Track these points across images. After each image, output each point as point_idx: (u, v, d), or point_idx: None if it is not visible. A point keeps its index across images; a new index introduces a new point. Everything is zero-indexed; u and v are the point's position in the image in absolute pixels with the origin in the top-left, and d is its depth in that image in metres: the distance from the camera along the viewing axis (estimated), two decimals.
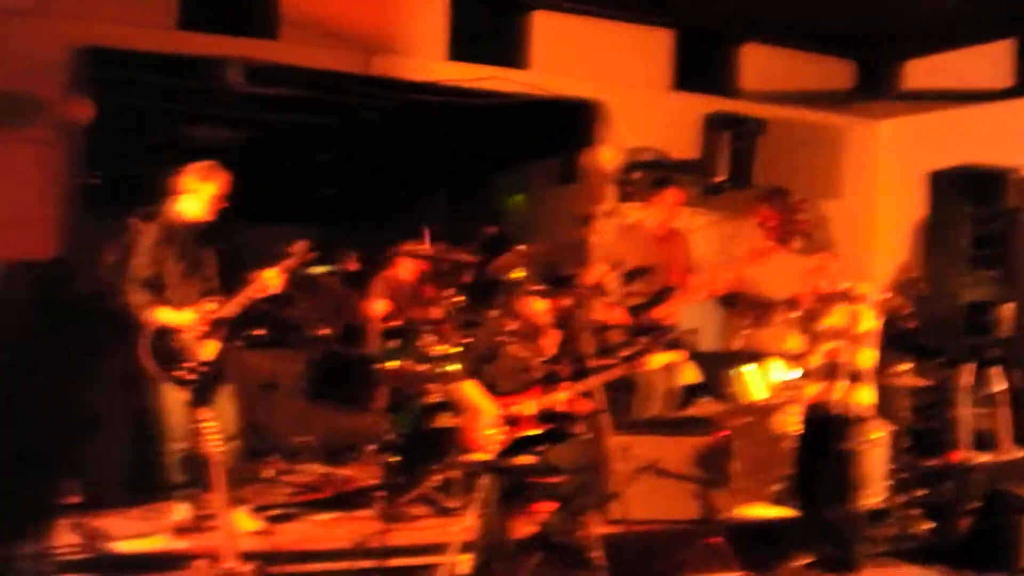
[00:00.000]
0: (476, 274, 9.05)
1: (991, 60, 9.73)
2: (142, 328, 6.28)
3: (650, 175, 9.06)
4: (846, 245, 9.93)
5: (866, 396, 6.59)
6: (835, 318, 6.54)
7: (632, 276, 8.01)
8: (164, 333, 6.24)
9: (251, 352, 7.92)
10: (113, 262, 8.46)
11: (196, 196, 6.33)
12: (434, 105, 9.35)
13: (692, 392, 8.66)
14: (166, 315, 6.21)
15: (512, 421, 5.87)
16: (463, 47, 9.11)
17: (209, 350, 6.25)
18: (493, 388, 6.05)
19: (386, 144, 13.05)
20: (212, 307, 6.26)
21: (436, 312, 7.90)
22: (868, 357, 6.59)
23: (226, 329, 6.33)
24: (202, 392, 6.29)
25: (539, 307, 5.95)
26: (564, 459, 5.73)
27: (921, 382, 7.92)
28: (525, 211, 14.43)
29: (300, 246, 6.36)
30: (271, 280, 6.23)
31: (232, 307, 6.26)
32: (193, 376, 6.24)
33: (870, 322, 6.52)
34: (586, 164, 9.97)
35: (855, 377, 6.55)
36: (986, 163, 9.11)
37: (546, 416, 5.87)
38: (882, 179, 11.00)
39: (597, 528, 5.78)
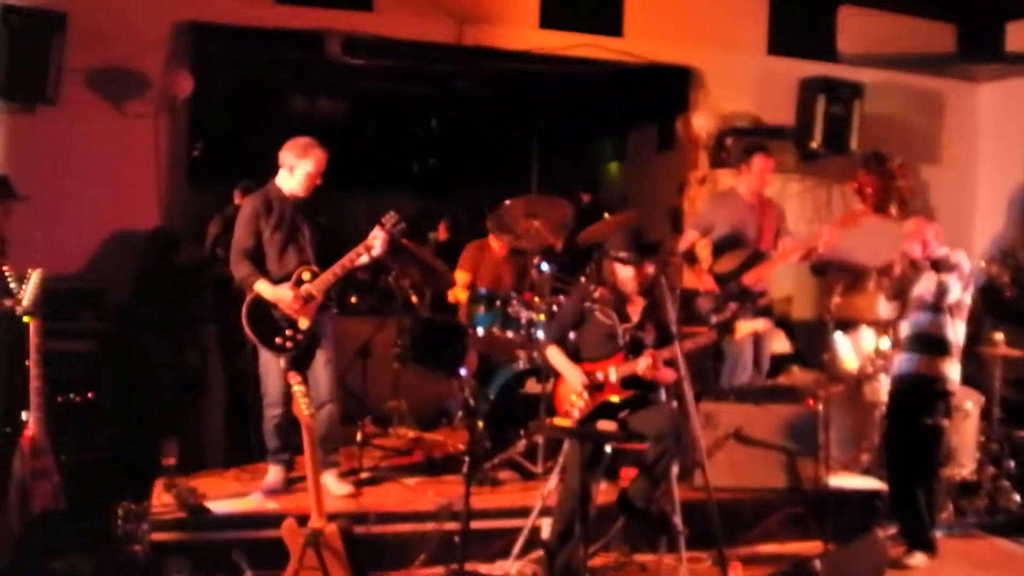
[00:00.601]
0: (568, 241, 9.11)
1: None
2: (244, 297, 6.44)
3: (743, 142, 8.99)
4: (945, 212, 9.77)
5: (953, 368, 6.47)
6: (925, 285, 6.42)
7: (723, 244, 7.99)
8: (264, 302, 6.40)
9: (347, 319, 8.08)
10: (217, 233, 8.73)
11: (293, 172, 6.45)
12: (529, 74, 9.41)
13: (783, 360, 8.63)
14: (265, 289, 6.36)
15: (596, 387, 5.92)
16: (555, 15, 9.11)
17: (305, 320, 6.39)
18: (578, 355, 6.11)
19: (483, 114, 13.16)
20: (307, 277, 6.40)
21: (526, 280, 7.99)
22: (958, 328, 6.47)
23: (322, 298, 6.46)
24: (299, 359, 6.45)
25: (626, 274, 5.98)
26: (647, 426, 5.76)
27: (1016, 352, 7.79)
28: (621, 178, 14.46)
29: (391, 217, 6.46)
30: (365, 250, 6.34)
31: (327, 278, 6.39)
32: (291, 344, 6.40)
33: (959, 290, 6.40)
34: (681, 131, 9.93)
35: (944, 348, 6.44)
36: None
37: (630, 382, 5.90)
38: (983, 144, 10.77)
39: (679, 495, 5.82)
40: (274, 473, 6.57)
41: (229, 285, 6.69)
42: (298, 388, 5.35)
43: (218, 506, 6.09)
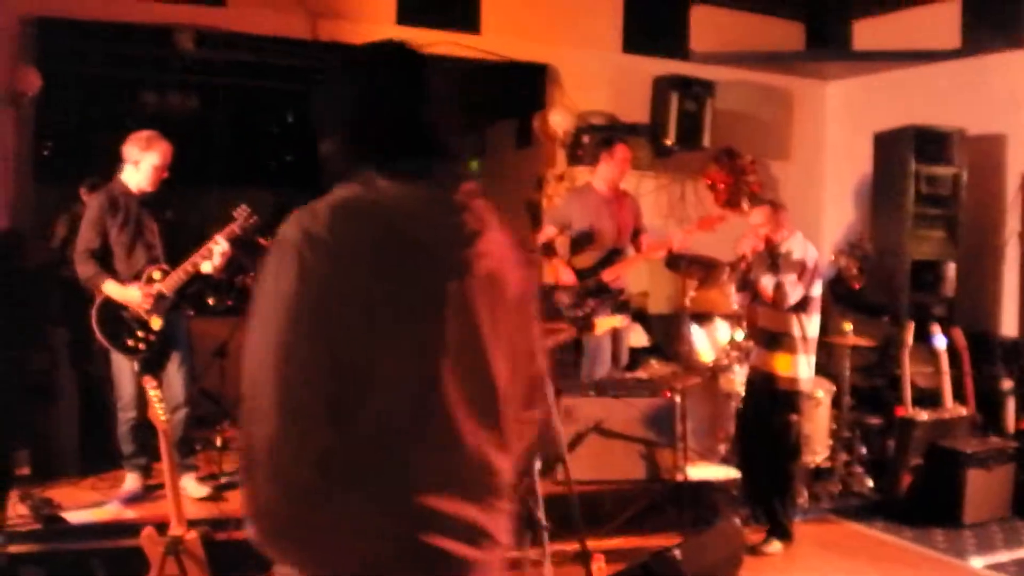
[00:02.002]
0: None
1: (938, 21, 9.79)
2: (92, 299, 6.29)
3: (599, 137, 9.10)
4: (794, 206, 9.95)
5: (801, 363, 6.57)
6: (766, 283, 6.49)
7: (581, 239, 8.07)
8: (113, 304, 6.26)
9: (204, 319, 7.94)
10: (64, 234, 8.48)
11: (138, 166, 6.32)
12: None
13: (641, 353, 8.76)
14: (113, 289, 6.23)
15: None
16: (412, 11, 9.10)
17: (157, 320, 6.27)
18: None
19: None
20: (157, 276, 6.28)
21: None
22: (811, 322, 6.58)
23: (174, 297, 6.35)
24: (151, 361, 6.32)
25: None
26: None
27: (865, 341, 8.04)
28: (480, 174, 14.46)
29: (242, 211, 6.38)
30: (215, 247, 6.25)
31: (178, 275, 6.28)
32: (142, 346, 6.27)
33: (800, 293, 6.46)
34: (538, 128, 10.00)
35: (787, 344, 6.54)
36: (931, 123, 9.21)
37: None
38: (831, 140, 11.10)
39: (542, 489, 5.86)
40: (131, 480, 6.44)
41: (78, 287, 6.52)
42: (154, 393, 5.25)
43: (75, 516, 5.96)
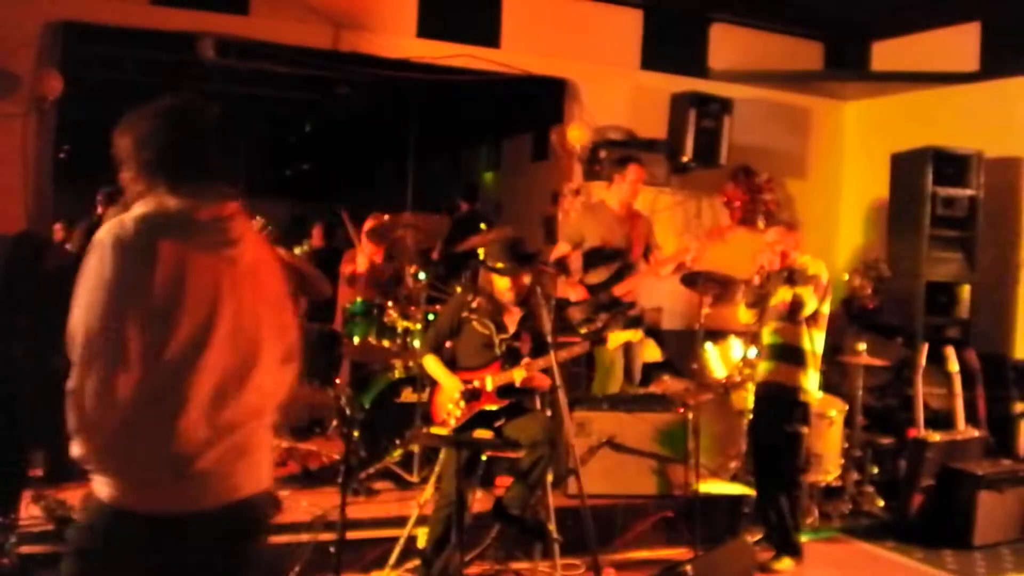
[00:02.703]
0: (444, 250, 9.12)
1: (956, 44, 9.82)
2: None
3: (615, 154, 9.12)
4: (811, 225, 10.00)
5: (811, 378, 6.63)
6: (781, 296, 6.57)
7: (595, 254, 8.09)
8: None
9: None
10: (81, 242, 8.52)
11: None
12: (407, 82, 9.41)
13: (654, 369, 8.77)
14: None
15: (473, 396, 5.95)
16: (433, 25, 9.15)
17: None
18: (455, 363, 6.14)
19: (359, 120, 13.10)
20: None
21: (402, 288, 7.97)
22: (816, 339, 6.64)
23: None
24: None
25: (502, 284, 6.02)
26: (522, 434, 5.81)
27: (878, 361, 8.05)
28: (497, 187, 14.52)
29: (258, 221, 6.38)
30: None
31: None
32: None
33: (815, 303, 6.54)
34: (555, 141, 10.03)
35: (799, 358, 6.60)
36: (949, 145, 9.22)
37: (506, 391, 5.95)
38: (848, 160, 11.12)
39: (554, 502, 5.89)
40: None
41: None
42: None
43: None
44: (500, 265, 5.98)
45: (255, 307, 2.94)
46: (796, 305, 6.48)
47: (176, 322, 2.74)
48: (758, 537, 6.82)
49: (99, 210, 8.86)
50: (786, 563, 6.61)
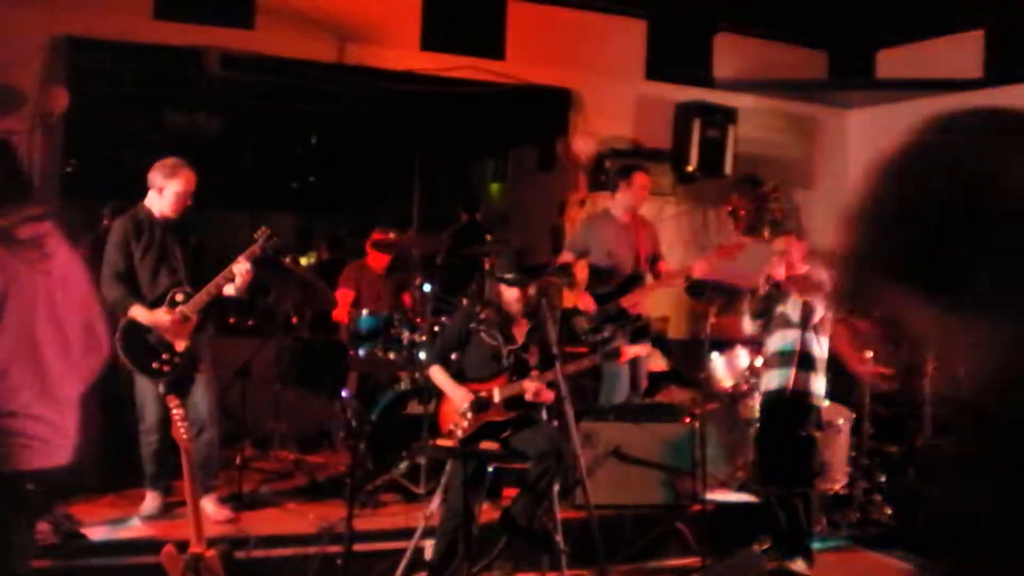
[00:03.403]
0: (449, 262, 9.13)
1: (961, 51, 9.81)
2: (117, 321, 6.30)
3: (620, 163, 9.12)
4: (817, 234, 9.99)
5: (819, 383, 6.67)
6: (791, 305, 6.60)
7: (599, 265, 8.10)
8: (139, 327, 6.27)
9: (226, 339, 7.98)
10: (87, 255, 8.51)
11: (162, 193, 6.36)
12: (411, 94, 9.42)
13: (661, 379, 8.77)
14: (140, 313, 6.24)
15: (480, 407, 5.96)
16: (437, 37, 9.17)
17: (181, 342, 6.28)
18: (462, 375, 6.14)
19: (364, 133, 13.11)
20: (181, 298, 6.30)
21: (407, 300, 7.99)
22: (822, 344, 6.67)
23: (197, 319, 6.35)
24: (176, 383, 6.31)
25: (510, 295, 6.02)
26: (528, 445, 5.81)
27: (885, 369, 8.02)
28: (504, 198, 14.50)
29: (262, 232, 6.40)
30: (237, 269, 6.26)
31: (201, 298, 6.29)
32: (167, 368, 6.27)
33: (823, 310, 6.58)
34: (561, 152, 10.05)
35: (810, 364, 6.62)
36: None
37: (513, 403, 5.95)
38: (853, 168, 11.09)
39: (561, 513, 5.89)
40: (152, 499, 6.45)
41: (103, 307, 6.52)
42: (177, 412, 5.28)
43: (95, 532, 5.97)
44: (508, 276, 5.99)
45: (65, 308, 3.52)
46: (807, 312, 6.51)
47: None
48: (766, 546, 6.81)
49: (105, 222, 8.88)
50: (801, 564, 6.59)
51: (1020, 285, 1.61)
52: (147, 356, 6.26)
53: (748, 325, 7.01)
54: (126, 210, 6.64)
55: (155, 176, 6.36)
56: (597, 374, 8.04)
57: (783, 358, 6.72)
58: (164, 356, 6.26)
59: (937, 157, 1.76)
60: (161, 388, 6.17)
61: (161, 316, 6.22)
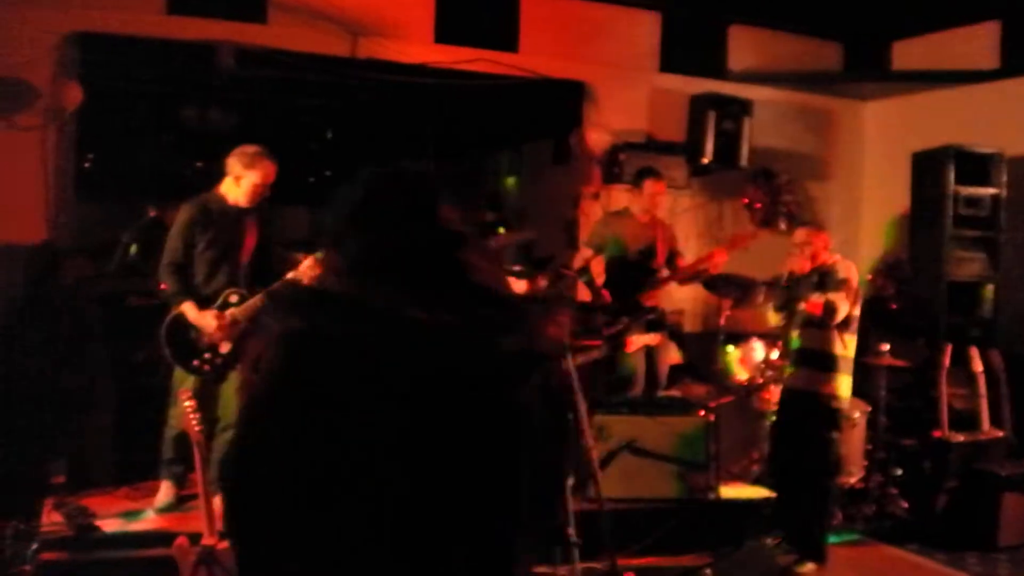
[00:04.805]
0: None
1: (977, 42, 9.75)
2: (134, 313, 6.29)
3: (635, 164, 9.07)
4: (833, 226, 9.94)
5: (843, 382, 6.59)
6: (812, 301, 6.51)
7: (618, 260, 8.08)
8: (185, 321, 6.21)
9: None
10: (128, 245, 8.50)
11: (238, 182, 6.29)
12: (425, 87, 9.41)
13: (676, 372, 8.74)
14: (191, 311, 6.18)
15: None
16: (450, 30, 9.15)
17: (227, 344, 6.21)
18: None
19: (379, 126, 13.10)
20: (235, 300, 6.24)
21: None
22: (848, 343, 6.59)
23: (246, 323, 6.24)
24: (212, 377, 6.26)
25: (518, 288, 6.01)
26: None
27: (901, 362, 8.00)
28: (519, 192, 14.49)
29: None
30: (305, 272, 6.05)
31: (255, 303, 6.16)
32: (207, 367, 6.19)
33: (847, 308, 6.49)
34: (575, 145, 10.02)
35: (831, 364, 6.55)
36: (970, 144, 9.15)
37: None
38: (869, 160, 11.05)
39: (573, 506, 5.86)
40: (166, 489, 6.46)
41: (120, 302, 6.53)
42: (188, 404, 5.29)
43: (108, 524, 5.99)
44: (516, 268, 5.98)
45: None
46: (828, 311, 6.42)
47: None
48: (778, 540, 6.79)
49: (152, 214, 8.86)
50: (809, 567, 6.57)
51: None
52: (190, 352, 6.21)
53: (772, 318, 6.97)
54: (173, 206, 6.56)
55: (233, 164, 6.28)
56: (612, 367, 8.04)
57: (804, 356, 6.65)
58: (207, 355, 6.19)
59: None
60: (195, 383, 6.12)
61: (210, 320, 6.15)
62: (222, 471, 5.37)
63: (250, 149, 6.30)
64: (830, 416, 6.59)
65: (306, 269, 5.94)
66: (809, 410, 6.62)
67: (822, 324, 6.49)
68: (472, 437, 2.01)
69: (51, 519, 6.01)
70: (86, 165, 10.67)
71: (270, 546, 1.96)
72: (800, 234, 6.83)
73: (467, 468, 2.02)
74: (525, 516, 2.10)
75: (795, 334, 6.73)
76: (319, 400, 1.96)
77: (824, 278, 6.54)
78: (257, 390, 2.13)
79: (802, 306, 6.60)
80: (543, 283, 5.99)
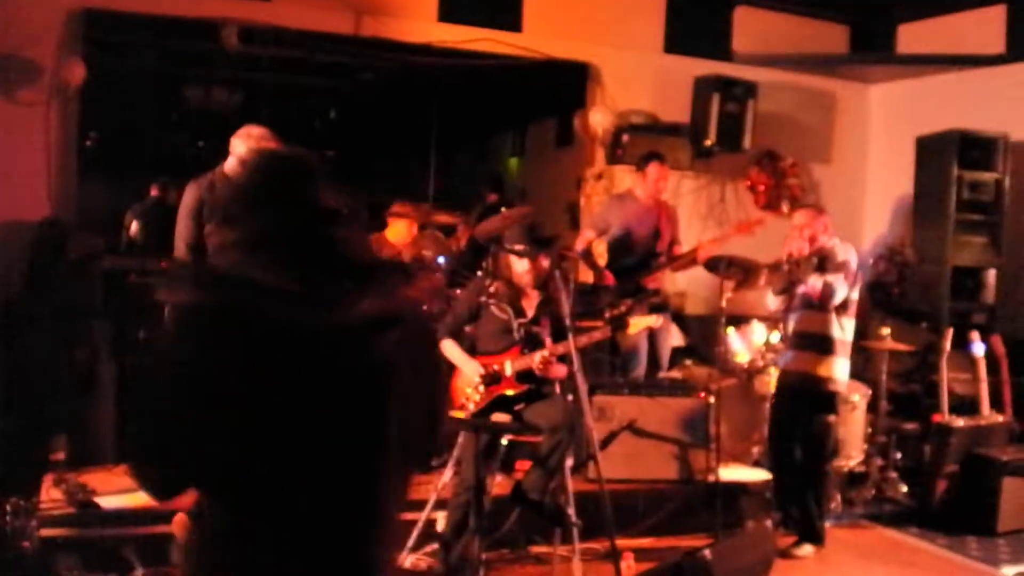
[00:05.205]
0: (469, 241, 9.12)
1: (983, 26, 9.72)
2: (135, 291, 6.27)
3: (639, 149, 9.06)
4: (835, 210, 9.90)
5: (840, 366, 6.60)
6: (811, 284, 6.51)
7: (620, 243, 8.09)
8: None
9: None
10: (131, 224, 8.48)
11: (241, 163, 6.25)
12: (430, 67, 9.40)
13: (677, 354, 8.75)
14: None
15: (492, 380, 5.95)
16: (454, 9, 9.13)
17: None
18: (475, 348, 6.13)
19: (382, 106, 13.10)
20: None
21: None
22: (846, 326, 6.60)
23: None
24: None
25: (521, 267, 6.00)
26: (541, 418, 5.79)
27: (902, 346, 8.00)
28: (522, 173, 14.49)
29: None
30: None
31: None
32: None
33: (845, 291, 6.50)
34: (578, 127, 10.00)
35: (828, 347, 6.56)
36: (975, 128, 9.13)
37: (525, 376, 5.94)
38: (873, 144, 11.04)
39: (573, 487, 5.88)
40: None
41: (122, 279, 6.53)
42: None
43: (108, 501, 5.99)
44: (518, 247, 5.97)
45: None
46: (827, 293, 6.42)
47: None
48: (778, 522, 6.80)
49: (154, 192, 8.83)
50: (807, 549, 6.59)
51: None
52: None
53: (771, 301, 6.97)
54: (175, 184, 6.54)
55: (237, 143, 6.24)
56: (615, 348, 8.05)
57: (801, 339, 6.66)
58: None
59: None
60: None
61: None
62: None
63: (256, 131, 6.26)
64: (827, 399, 6.60)
65: None
66: (806, 392, 6.63)
67: (821, 306, 6.49)
68: (339, 386, 2.42)
69: (51, 495, 6.02)
70: (88, 143, 10.68)
71: (178, 470, 2.37)
72: (799, 216, 6.83)
73: (339, 412, 2.42)
74: (397, 454, 2.49)
75: (793, 317, 6.73)
76: (208, 358, 2.36)
77: (823, 261, 6.53)
78: (156, 356, 2.66)
79: (801, 288, 6.59)
80: (545, 263, 5.96)
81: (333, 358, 2.41)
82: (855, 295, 6.61)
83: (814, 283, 6.46)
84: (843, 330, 6.58)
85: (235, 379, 2.33)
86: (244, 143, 6.23)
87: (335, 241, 2.50)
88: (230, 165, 6.35)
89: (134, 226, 9.06)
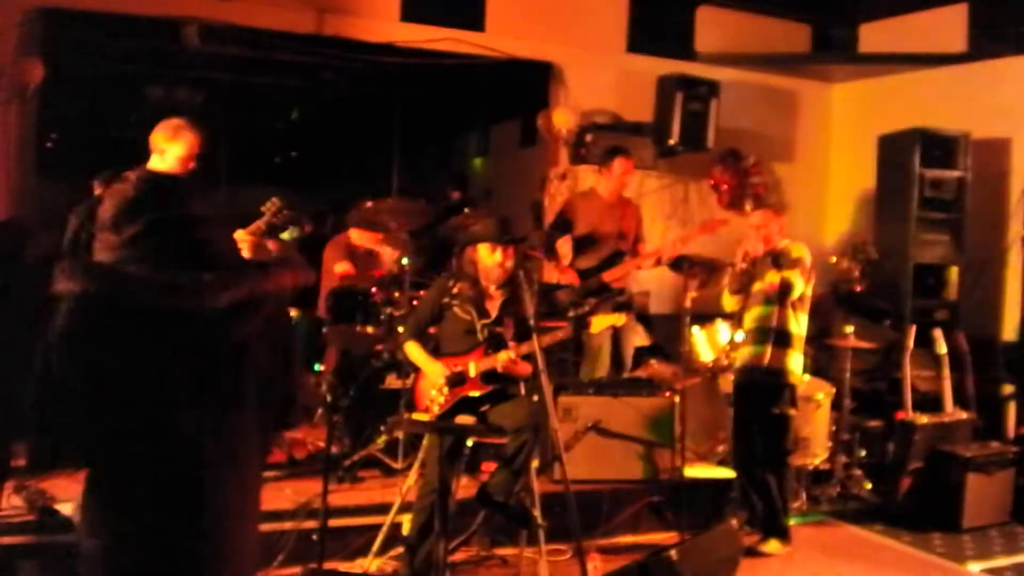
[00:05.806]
0: (432, 238, 9.07)
1: (944, 25, 9.77)
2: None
3: (604, 143, 9.07)
4: (798, 208, 10.02)
5: (796, 360, 6.65)
6: (769, 279, 6.59)
7: (584, 241, 8.08)
8: None
9: None
10: (77, 226, 8.38)
11: (163, 156, 6.18)
12: (392, 67, 9.35)
13: (642, 354, 8.74)
14: None
15: (456, 382, 5.92)
16: (417, 8, 9.09)
17: None
18: (438, 350, 6.10)
19: (345, 106, 13.04)
20: None
21: (387, 275, 7.91)
22: (800, 321, 6.65)
23: None
24: None
25: (491, 260, 5.95)
26: (506, 420, 5.77)
27: (866, 344, 8.03)
28: (487, 173, 14.47)
29: (273, 204, 6.16)
30: (241, 242, 6.01)
31: None
32: None
33: (802, 285, 6.57)
34: (542, 127, 9.98)
35: (786, 340, 6.61)
36: (937, 127, 9.18)
37: (490, 377, 5.91)
38: (836, 142, 11.09)
39: (539, 488, 5.86)
40: None
41: (79, 280, 6.42)
42: None
43: (69, 508, 5.92)
44: (494, 235, 5.92)
45: None
46: (785, 288, 6.53)
47: None
48: (744, 521, 6.81)
49: (97, 191, 8.70)
50: (774, 545, 6.60)
51: None
52: None
53: (727, 301, 7.00)
54: (117, 177, 6.49)
55: (157, 138, 6.11)
56: (579, 349, 8.04)
57: (759, 334, 6.70)
58: None
59: None
60: None
61: None
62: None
63: (174, 122, 6.12)
64: (784, 392, 6.65)
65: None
66: (765, 386, 6.67)
67: (779, 302, 6.57)
68: (201, 361, 3.13)
69: (11, 502, 5.93)
70: (49, 145, 10.57)
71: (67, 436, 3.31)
72: (756, 216, 6.93)
73: (201, 384, 3.15)
74: (255, 418, 3.23)
75: (751, 313, 6.77)
76: (93, 339, 3.15)
77: (778, 258, 6.61)
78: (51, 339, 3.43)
79: (758, 285, 6.66)
80: (510, 262, 5.92)
81: (196, 337, 3.07)
82: (809, 291, 6.72)
83: (771, 279, 6.53)
84: (799, 324, 6.65)
85: (113, 355, 3.04)
86: (163, 135, 6.12)
87: (202, 242, 3.20)
88: (153, 162, 6.27)
89: (74, 223, 8.91)
